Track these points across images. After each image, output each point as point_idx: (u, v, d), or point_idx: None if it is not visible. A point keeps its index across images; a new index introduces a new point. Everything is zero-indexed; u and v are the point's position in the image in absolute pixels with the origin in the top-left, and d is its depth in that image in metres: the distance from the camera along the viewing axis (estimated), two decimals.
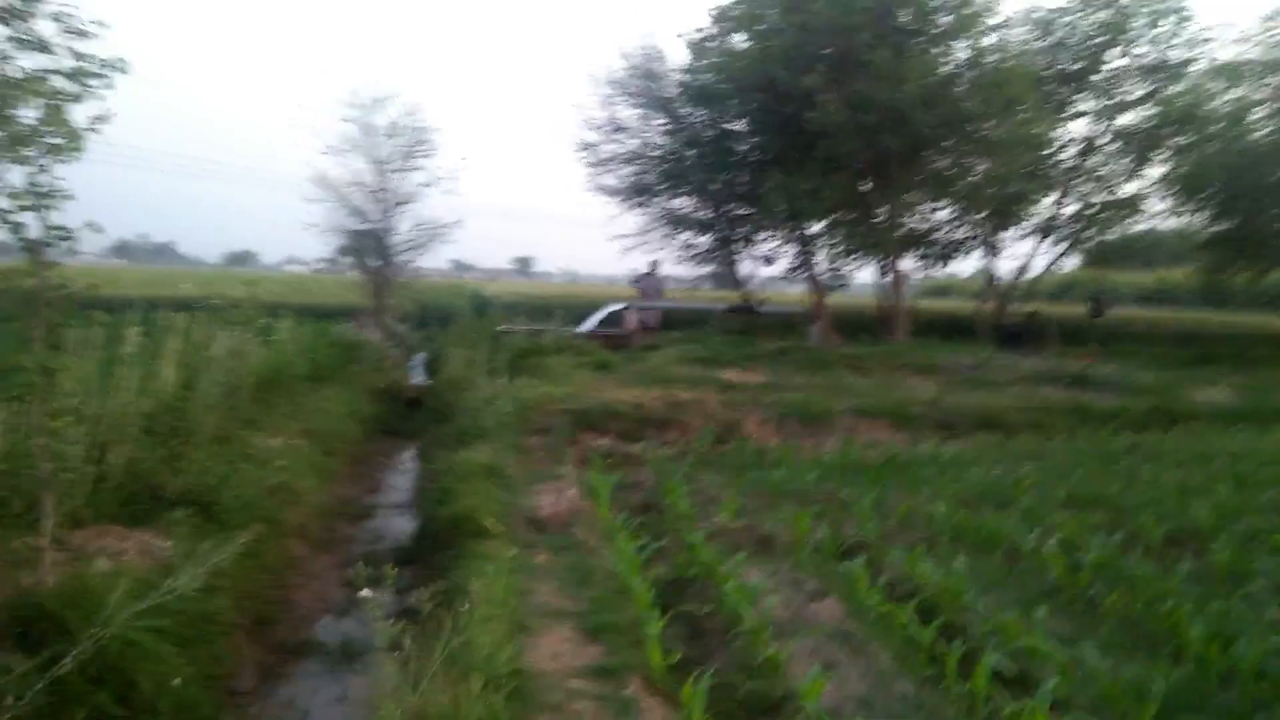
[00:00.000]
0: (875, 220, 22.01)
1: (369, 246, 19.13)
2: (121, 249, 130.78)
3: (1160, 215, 26.93)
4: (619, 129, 24.07)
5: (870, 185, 21.40)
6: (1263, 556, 5.91)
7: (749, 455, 9.21)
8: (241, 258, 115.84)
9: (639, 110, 24.00)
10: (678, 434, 10.68)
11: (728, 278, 27.35)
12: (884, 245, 20.40)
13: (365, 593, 3.54)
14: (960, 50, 19.13)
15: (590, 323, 19.15)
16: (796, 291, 33.15)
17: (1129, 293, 44.01)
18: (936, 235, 25.38)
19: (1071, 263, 28.23)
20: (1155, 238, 32.53)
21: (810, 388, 13.03)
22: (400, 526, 8.08)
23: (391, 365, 14.62)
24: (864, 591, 5.00)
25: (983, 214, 24.04)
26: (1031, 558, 5.85)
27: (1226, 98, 25.36)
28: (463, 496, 6.65)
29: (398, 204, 19.20)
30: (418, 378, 16.34)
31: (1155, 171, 25.24)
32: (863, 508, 6.61)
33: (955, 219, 25.05)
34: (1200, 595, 5.08)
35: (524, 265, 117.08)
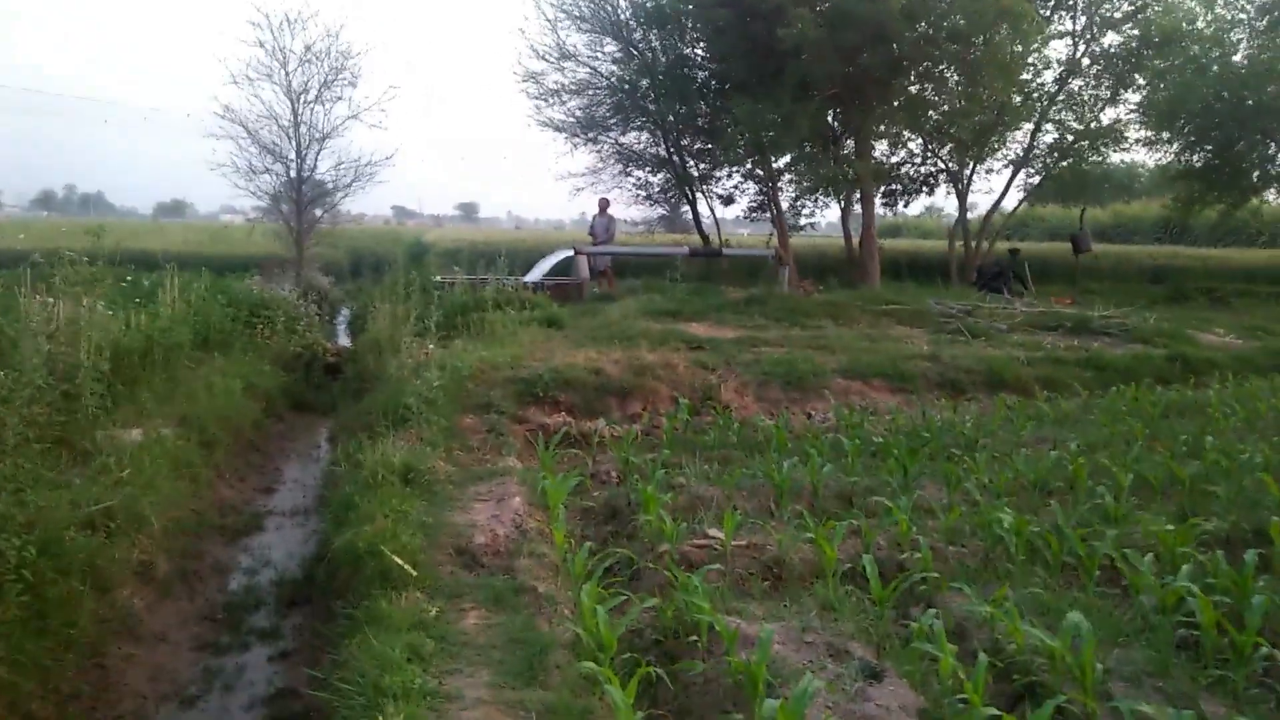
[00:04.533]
0: (845, 153, 20.35)
1: (283, 189, 16.94)
2: (45, 200, 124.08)
3: (1130, 146, 25.69)
4: (566, 57, 21.96)
5: (839, 114, 19.70)
6: None
7: (734, 433, 7.54)
8: (174, 208, 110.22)
9: (588, 35, 21.93)
10: (643, 403, 9.02)
11: (680, 219, 25.56)
12: (858, 179, 18.66)
13: None
14: None
15: (538, 271, 17.25)
16: (752, 234, 31.54)
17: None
18: (903, 170, 23.84)
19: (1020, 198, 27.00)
20: (1111, 171, 31.35)
21: (790, 342, 11.41)
22: (295, 542, 6.33)
23: (308, 325, 12.67)
24: (943, 667, 3.39)
25: (954, 145, 22.52)
26: (1139, 583, 4.30)
27: (1207, 19, 24.07)
28: (368, 518, 4.91)
29: (316, 140, 17.01)
30: (341, 338, 14.42)
31: (1134, 98, 23.94)
32: (899, 512, 4.98)
33: (925, 152, 23.50)
34: None
35: (469, 211, 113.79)
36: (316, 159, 17.16)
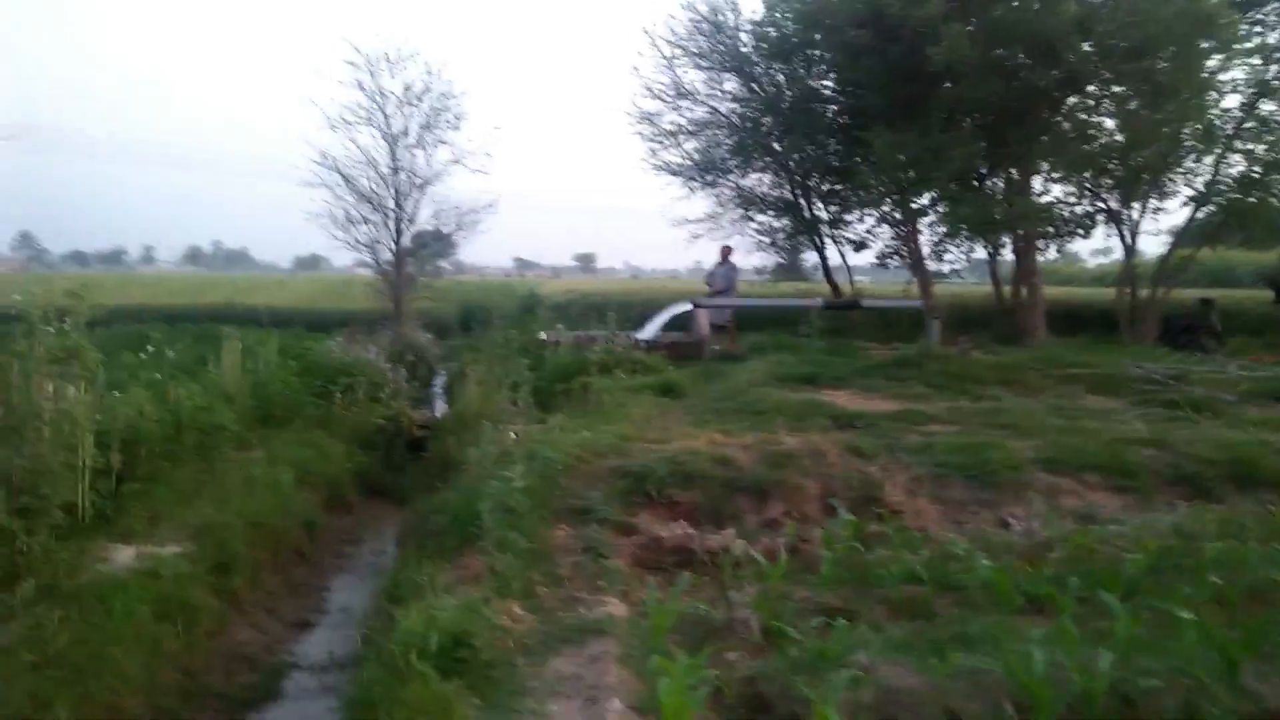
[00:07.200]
0: (997, 189, 18.03)
1: (380, 238, 15.81)
2: (194, 256, 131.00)
3: None
4: (683, 95, 20.53)
5: (990, 146, 17.40)
6: None
7: (921, 563, 5.46)
8: (311, 262, 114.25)
9: (706, 72, 20.43)
10: (785, 505, 7.03)
11: (799, 267, 23.67)
12: (1019, 219, 16.30)
13: None
14: None
15: (652, 327, 15.48)
16: (873, 282, 29.17)
17: (1246, 273, 38.78)
18: (1055, 209, 21.21)
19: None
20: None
21: (962, 418, 9.25)
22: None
23: (394, 393, 11.18)
24: None
25: (1120, 180, 19.80)
26: None
27: None
28: None
29: (416, 186, 15.85)
30: (437, 406, 12.91)
31: None
32: None
33: (1083, 188, 20.84)
34: None
35: (587, 261, 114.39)
36: (416, 207, 16.02)
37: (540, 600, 4.95)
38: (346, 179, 15.36)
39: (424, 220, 16.30)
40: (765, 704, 4.04)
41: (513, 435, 7.44)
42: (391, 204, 15.72)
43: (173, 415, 6.63)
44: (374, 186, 15.62)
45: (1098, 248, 27.43)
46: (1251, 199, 20.26)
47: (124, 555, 5.11)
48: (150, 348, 8.00)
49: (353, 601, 6.36)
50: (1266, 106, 19.57)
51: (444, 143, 15.96)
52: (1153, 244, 24.62)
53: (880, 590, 5.21)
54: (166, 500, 5.96)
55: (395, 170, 15.64)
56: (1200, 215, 20.74)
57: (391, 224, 15.82)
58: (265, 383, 8.77)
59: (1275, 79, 19.19)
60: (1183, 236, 20.77)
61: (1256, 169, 19.97)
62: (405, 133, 15.60)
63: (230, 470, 6.87)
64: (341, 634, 5.79)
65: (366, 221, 15.76)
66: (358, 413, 10.03)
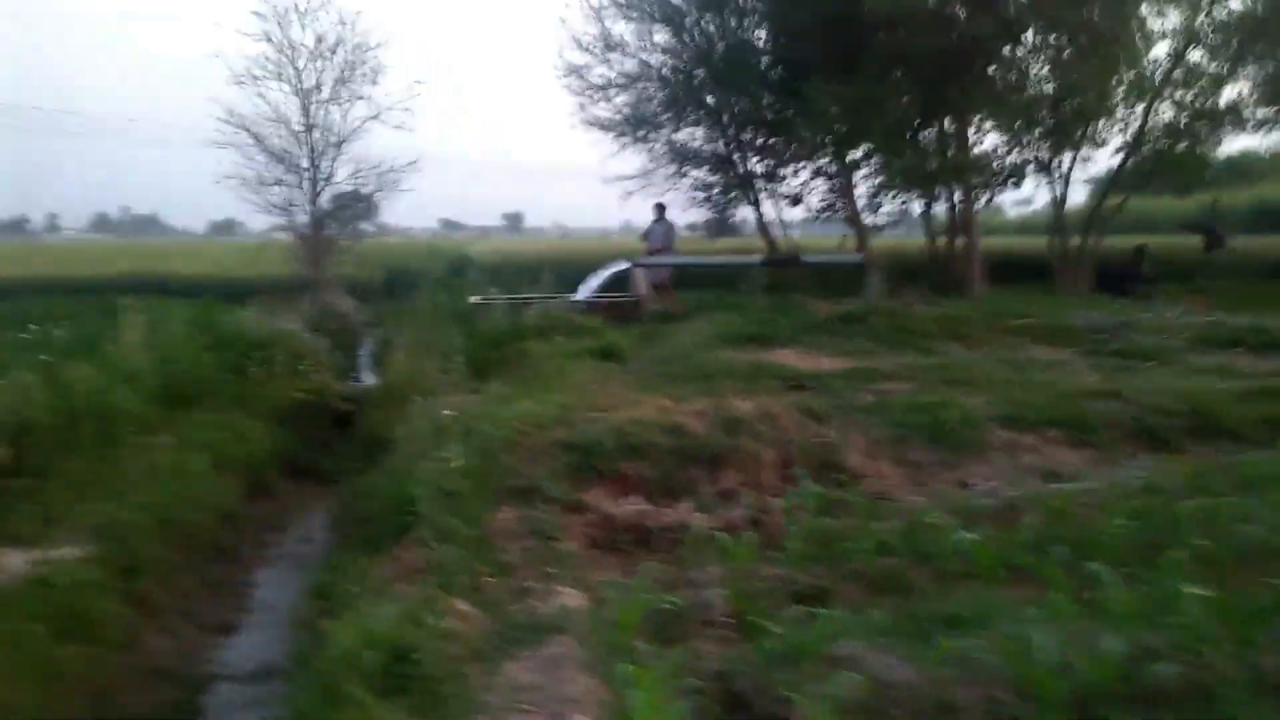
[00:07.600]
0: (928, 141, 17.87)
1: (295, 200, 14.93)
2: (101, 223, 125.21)
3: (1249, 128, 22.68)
4: (612, 48, 19.82)
5: (924, 96, 17.19)
6: None
7: (892, 531, 5.15)
8: (225, 226, 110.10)
9: (635, 24, 19.76)
10: (741, 474, 6.69)
11: (729, 223, 23.41)
12: (958, 170, 16.15)
13: None
14: None
15: (588, 288, 14.96)
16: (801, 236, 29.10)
17: (1167, 220, 39.62)
18: (990, 159, 21.16)
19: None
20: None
21: (913, 374, 9.03)
22: None
23: (315, 365, 10.51)
24: None
25: (1051, 129, 19.80)
26: None
27: None
28: None
29: (333, 145, 14.98)
30: (365, 376, 12.25)
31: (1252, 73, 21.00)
32: None
33: (1014, 139, 20.81)
34: None
35: (515, 221, 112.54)
36: (333, 166, 15.15)
37: (488, 592, 4.51)
38: (256, 137, 14.45)
39: (342, 180, 15.47)
40: (741, 700, 3.69)
41: (447, 412, 6.91)
42: (306, 163, 14.86)
43: (65, 400, 5.98)
44: (286, 145, 14.74)
45: (1020, 198, 28.19)
46: (1180, 146, 20.55)
47: (13, 563, 4.51)
48: (33, 325, 7.23)
49: (279, 598, 5.81)
50: (1195, 55, 19.77)
51: (361, 98, 15.12)
52: (1077, 193, 24.79)
53: (851, 565, 4.89)
54: (61, 497, 5.34)
55: (309, 128, 14.76)
56: (1130, 163, 20.97)
57: (307, 184, 14.97)
58: (172, 359, 8.08)
59: (1204, 25, 19.36)
60: (1112, 184, 20.97)
61: (1185, 116, 20.20)
62: (318, 88, 14.71)
63: (134, 459, 6.24)
64: (268, 636, 5.27)
65: (280, 183, 14.88)
66: (276, 388, 9.36)
